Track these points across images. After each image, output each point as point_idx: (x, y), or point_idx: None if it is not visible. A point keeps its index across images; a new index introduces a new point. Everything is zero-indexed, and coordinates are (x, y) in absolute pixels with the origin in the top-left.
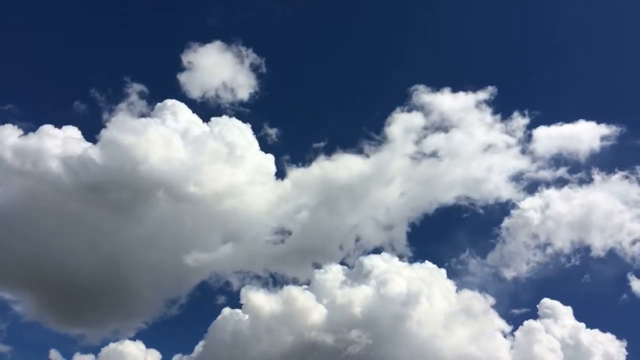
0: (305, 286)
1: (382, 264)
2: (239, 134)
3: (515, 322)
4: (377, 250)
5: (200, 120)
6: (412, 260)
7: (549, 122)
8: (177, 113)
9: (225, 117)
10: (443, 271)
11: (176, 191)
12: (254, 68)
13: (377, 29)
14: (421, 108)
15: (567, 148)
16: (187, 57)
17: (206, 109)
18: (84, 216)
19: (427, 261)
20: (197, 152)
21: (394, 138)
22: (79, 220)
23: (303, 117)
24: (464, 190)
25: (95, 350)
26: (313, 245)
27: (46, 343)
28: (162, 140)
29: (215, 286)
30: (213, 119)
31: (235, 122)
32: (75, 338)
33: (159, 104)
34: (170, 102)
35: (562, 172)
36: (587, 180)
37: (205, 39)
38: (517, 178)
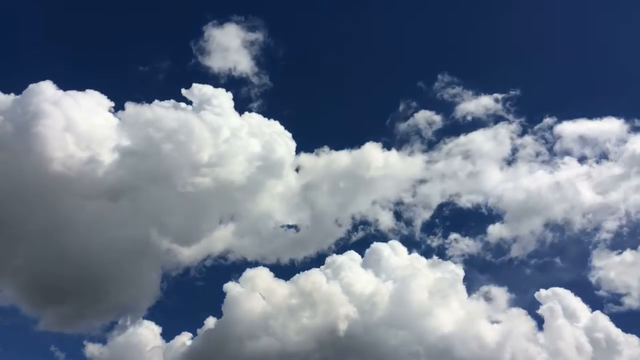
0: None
1: (396, 256)
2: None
3: (534, 314)
4: (387, 241)
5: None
6: (426, 254)
7: (574, 120)
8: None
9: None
10: (459, 266)
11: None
12: (272, 52)
13: (401, 25)
14: (443, 107)
15: (593, 146)
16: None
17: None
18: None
19: (440, 256)
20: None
21: (414, 134)
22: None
23: (319, 106)
24: (481, 190)
25: (102, 338)
26: (322, 233)
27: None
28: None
29: (221, 269)
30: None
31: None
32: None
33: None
34: (203, 88)
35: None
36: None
37: (223, 19)
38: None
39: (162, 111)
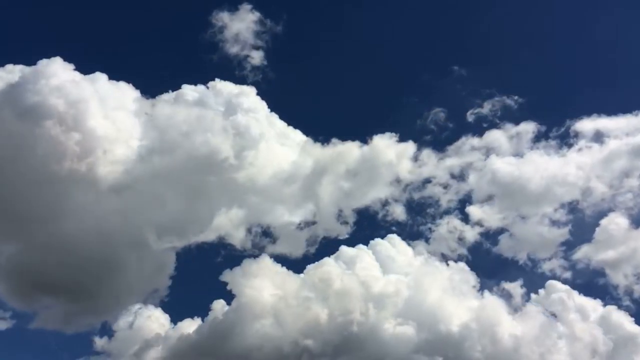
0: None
1: (403, 250)
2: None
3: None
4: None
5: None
6: (433, 248)
7: (592, 118)
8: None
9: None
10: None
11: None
12: (282, 40)
13: (424, 26)
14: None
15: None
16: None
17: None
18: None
19: (447, 251)
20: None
21: (427, 129)
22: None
23: (331, 97)
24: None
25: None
26: (329, 225)
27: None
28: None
29: (225, 258)
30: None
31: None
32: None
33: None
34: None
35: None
36: None
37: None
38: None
39: (184, 106)
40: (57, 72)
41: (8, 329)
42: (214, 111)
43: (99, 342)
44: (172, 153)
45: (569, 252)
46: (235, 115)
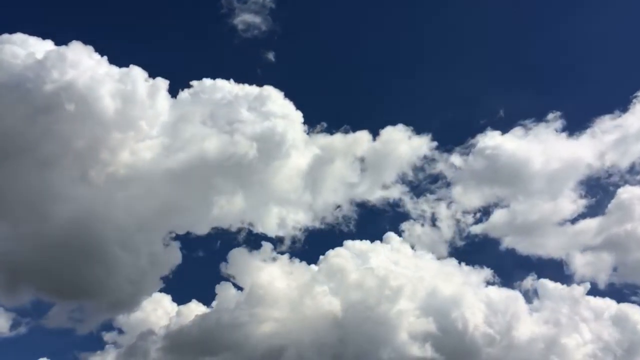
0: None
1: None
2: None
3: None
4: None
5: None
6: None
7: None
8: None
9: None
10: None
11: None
12: (291, 31)
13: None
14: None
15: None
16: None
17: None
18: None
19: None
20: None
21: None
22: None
23: (343, 89)
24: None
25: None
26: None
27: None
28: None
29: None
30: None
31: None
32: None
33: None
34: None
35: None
36: None
37: None
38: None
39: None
40: (80, 57)
41: (24, 333)
42: (226, 108)
43: (109, 337)
44: (187, 148)
45: (579, 245)
46: (247, 112)
